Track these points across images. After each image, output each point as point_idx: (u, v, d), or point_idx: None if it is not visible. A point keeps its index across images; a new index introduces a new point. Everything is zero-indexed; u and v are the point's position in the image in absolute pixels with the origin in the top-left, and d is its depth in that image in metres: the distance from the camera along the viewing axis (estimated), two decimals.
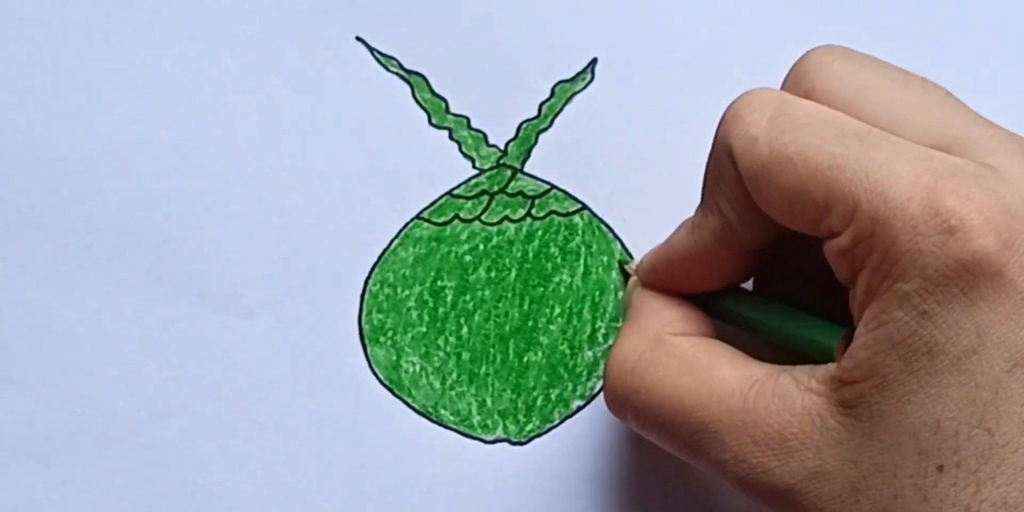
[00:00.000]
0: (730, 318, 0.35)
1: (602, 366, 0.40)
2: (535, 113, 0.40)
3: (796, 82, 0.33)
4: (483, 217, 0.40)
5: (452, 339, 0.40)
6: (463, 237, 0.40)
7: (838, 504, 0.29)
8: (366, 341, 0.40)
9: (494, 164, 0.40)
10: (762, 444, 0.30)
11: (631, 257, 0.40)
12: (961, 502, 0.28)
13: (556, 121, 0.40)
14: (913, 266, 0.28)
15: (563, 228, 0.40)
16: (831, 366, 0.30)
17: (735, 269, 0.34)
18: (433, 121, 0.40)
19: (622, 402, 0.34)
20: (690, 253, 0.34)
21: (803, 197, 0.29)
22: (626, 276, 0.39)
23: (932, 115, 0.31)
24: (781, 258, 0.35)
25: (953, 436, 0.28)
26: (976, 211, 0.28)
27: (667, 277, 0.35)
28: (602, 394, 0.35)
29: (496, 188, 0.40)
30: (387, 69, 0.40)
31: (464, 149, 0.40)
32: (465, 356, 0.40)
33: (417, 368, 0.40)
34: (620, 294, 0.40)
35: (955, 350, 0.28)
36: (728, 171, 0.31)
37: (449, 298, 0.40)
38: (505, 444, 0.40)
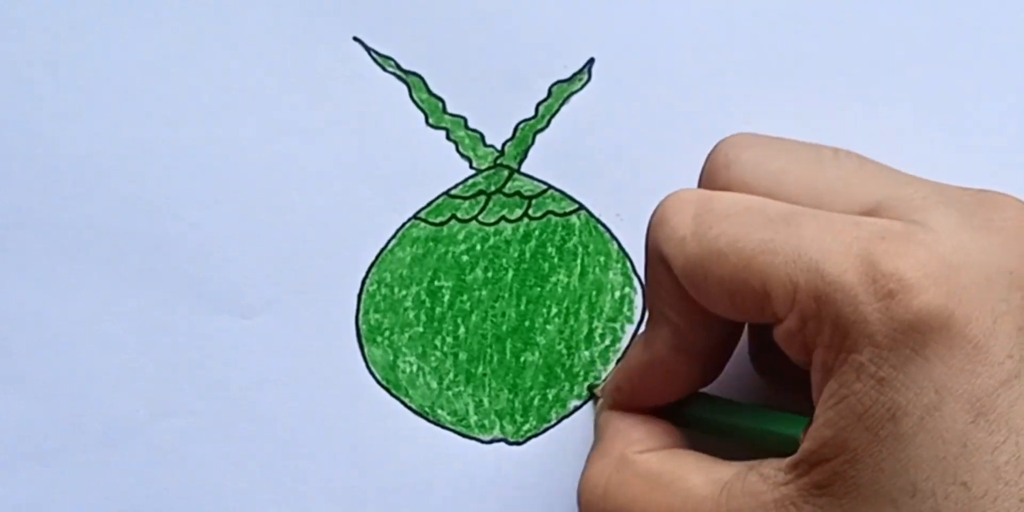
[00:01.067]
0: (695, 425, 0.35)
1: (599, 366, 0.40)
2: (532, 113, 0.40)
3: (711, 179, 0.33)
4: (480, 217, 0.40)
5: (449, 339, 0.40)
6: (460, 237, 0.40)
7: None
8: (363, 341, 0.40)
9: (491, 164, 0.40)
10: None
11: (628, 258, 0.40)
12: None
13: (553, 121, 0.40)
14: (862, 336, 0.28)
15: (560, 228, 0.40)
16: (795, 455, 0.30)
17: (694, 375, 0.34)
18: (430, 121, 0.40)
19: None
20: (647, 367, 0.34)
21: (741, 287, 0.29)
22: (595, 399, 0.39)
23: (852, 184, 0.31)
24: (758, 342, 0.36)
25: (931, 496, 0.28)
26: (912, 268, 0.28)
27: (631, 394, 0.35)
28: None
29: (493, 188, 0.40)
30: (384, 69, 0.40)
31: (461, 149, 0.40)
32: (462, 356, 0.40)
33: (414, 368, 0.40)
34: (617, 294, 0.40)
35: (917, 410, 0.28)
36: (664, 276, 0.31)
37: (446, 298, 0.40)
38: (502, 444, 0.40)
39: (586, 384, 0.39)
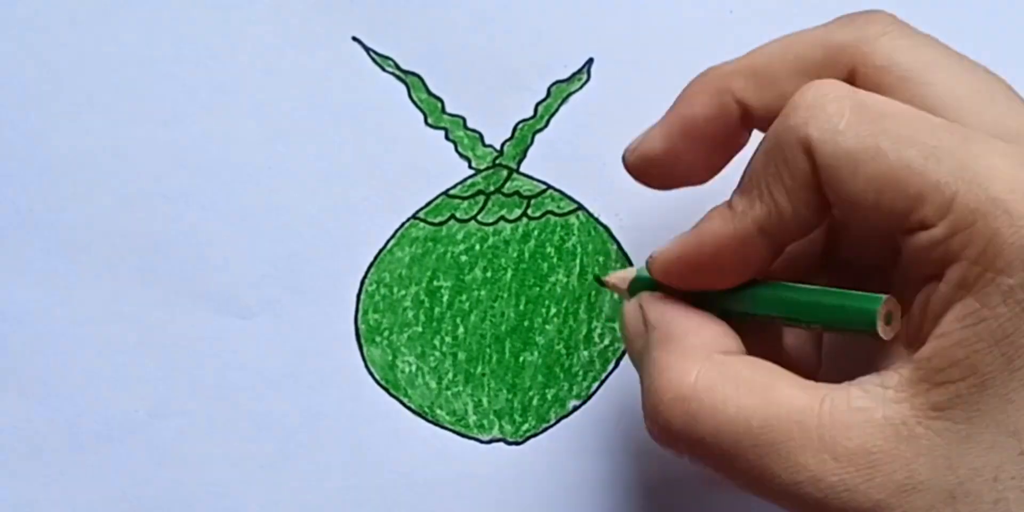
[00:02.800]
0: (757, 308, 0.32)
1: (598, 366, 0.40)
2: (531, 113, 0.40)
3: (858, 43, 0.32)
4: (479, 217, 0.40)
5: (448, 339, 0.40)
6: (459, 237, 0.40)
7: None
8: (362, 341, 0.40)
9: (490, 164, 0.40)
10: (843, 460, 0.28)
11: (627, 258, 0.40)
12: None
13: (552, 121, 0.40)
14: (1018, 259, 0.27)
15: (559, 228, 0.40)
16: (905, 371, 0.29)
17: (764, 262, 0.32)
18: (429, 121, 0.40)
19: (678, 433, 0.31)
20: (726, 241, 0.31)
21: (893, 187, 0.28)
22: (599, 290, 0.38)
23: (996, 104, 0.30)
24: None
25: None
26: None
27: (693, 269, 0.32)
28: (646, 422, 0.32)
29: (492, 188, 0.40)
30: (383, 69, 0.40)
31: (460, 149, 0.40)
32: (461, 356, 0.40)
33: (413, 368, 0.40)
34: (616, 294, 0.40)
35: None
36: (798, 161, 0.30)
37: (445, 298, 0.40)
38: (501, 444, 0.40)
39: (594, 276, 0.38)
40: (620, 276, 0.35)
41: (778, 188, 0.30)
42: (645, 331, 0.33)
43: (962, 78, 0.31)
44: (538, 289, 0.40)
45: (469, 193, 0.40)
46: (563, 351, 0.40)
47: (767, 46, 0.34)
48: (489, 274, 0.40)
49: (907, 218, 0.28)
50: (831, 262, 0.35)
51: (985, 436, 0.27)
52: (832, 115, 0.29)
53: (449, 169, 0.40)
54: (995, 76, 0.32)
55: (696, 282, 0.33)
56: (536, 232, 0.40)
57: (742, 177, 0.31)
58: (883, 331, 0.30)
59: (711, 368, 0.31)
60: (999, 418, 0.27)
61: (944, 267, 0.28)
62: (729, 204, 0.32)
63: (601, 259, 0.40)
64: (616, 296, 0.39)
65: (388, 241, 0.40)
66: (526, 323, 0.40)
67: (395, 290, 0.40)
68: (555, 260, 0.40)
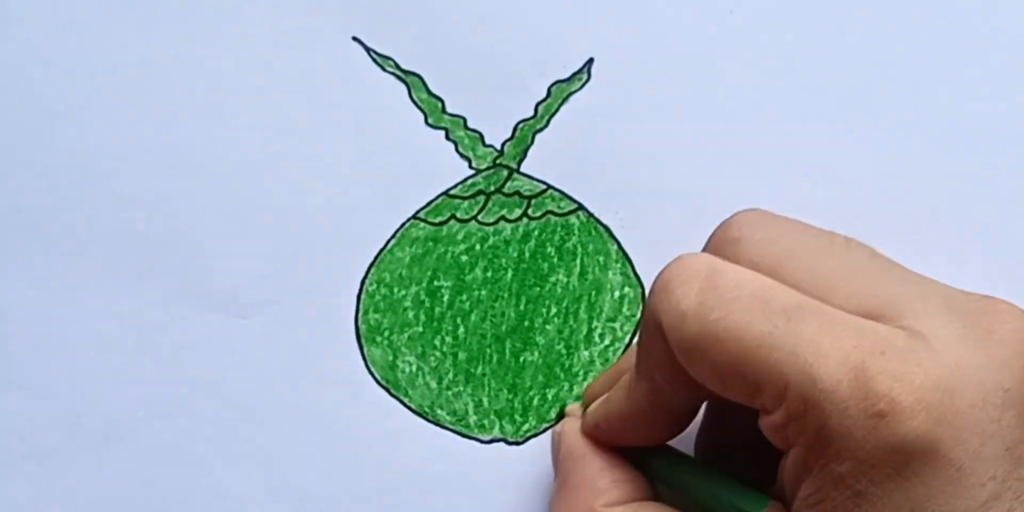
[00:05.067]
0: (663, 479, 0.35)
1: (599, 365, 0.40)
2: (531, 113, 0.40)
3: (718, 250, 0.33)
4: (479, 217, 0.40)
5: (448, 339, 0.40)
6: (459, 237, 0.40)
7: None
8: (362, 341, 0.40)
9: (490, 164, 0.40)
10: None
11: (627, 258, 0.40)
12: None
13: (552, 121, 0.40)
14: (845, 449, 0.28)
15: (559, 228, 0.40)
16: None
17: (669, 428, 0.34)
18: (429, 121, 0.40)
19: None
20: (626, 414, 0.34)
21: (734, 375, 0.29)
22: (558, 420, 0.38)
23: (857, 278, 0.31)
24: (718, 417, 0.36)
25: None
26: (905, 392, 0.28)
27: (607, 434, 0.35)
28: None
29: (492, 188, 0.40)
30: (383, 69, 0.40)
31: (461, 149, 0.40)
32: (461, 356, 0.40)
33: (414, 368, 0.40)
34: (616, 294, 0.40)
35: None
36: (657, 343, 0.31)
37: (445, 298, 0.40)
38: (502, 444, 0.40)
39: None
40: (574, 409, 0.38)
41: (653, 368, 0.32)
42: (556, 462, 0.36)
43: (820, 260, 0.32)
44: (538, 289, 0.40)
45: (469, 193, 0.40)
46: (563, 351, 0.40)
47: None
48: (489, 274, 0.40)
49: (751, 402, 0.30)
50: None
51: None
52: (679, 299, 0.30)
53: (449, 169, 0.40)
54: (857, 247, 0.32)
55: (615, 442, 0.35)
56: (536, 232, 0.40)
57: (636, 350, 0.33)
58: None
59: None
60: None
61: (788, 447, 0.30)
62: (628, 379, 0.34)
63: (601, 259, 0.40)
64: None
65: (388, 241, 0.40)
66: (526, 323, 0.40)
67: (395, 290, 0.40)
68: (555, 260, 0.40)
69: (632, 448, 0.35)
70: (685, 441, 0.36)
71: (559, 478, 0.36)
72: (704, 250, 0.33)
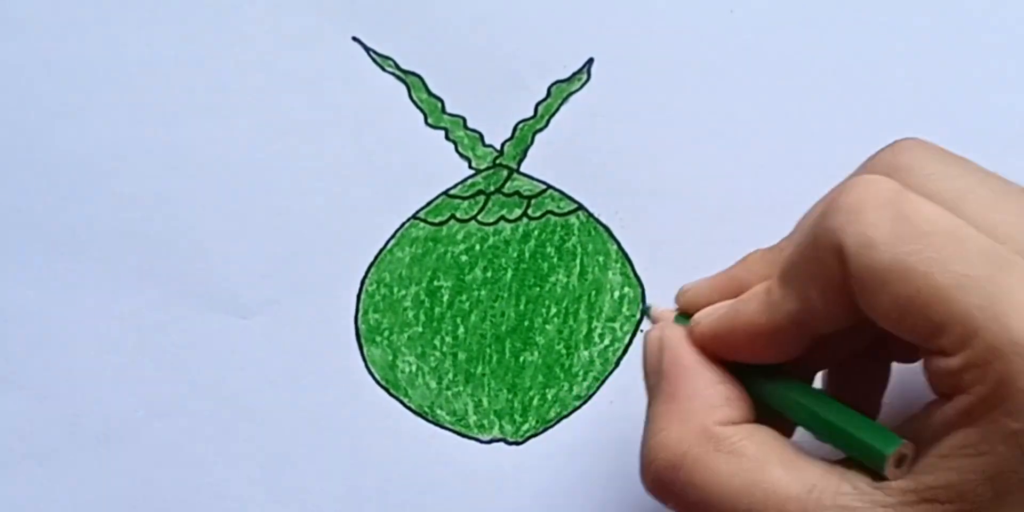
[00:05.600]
0: (777, 402, 0.33)
1: (599, 365, 0.40)
2: (531, 113, 0.40)
3: (888, 176, 0.31)
4: (479, 217, 0.40)
5: (448, 339, 0.40)
6: (459, 237, 0.40)
7: None
8: (362, 341, 0.40)
9: (490, 164, 0.40)
10: None
11: (627, 258, 0.40)
12: None
13: (552, 121, 0.40)
14: None
15: (559, 228, 0.40)
16: (902, 480, 0.29)
17: (798, 348, 0.32)
18: (429, 121, 0.40)
19: (666, 493, 0.32)
20: (760, 329, 0.32)
21: (918, 312, 0.28)
22: (645, 317, 0.37)
23: None
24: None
25: None
26: None
27: (726, 345, 0.33)
28: (640, 469, 0.33)
29: (492, 188, 0.40)
30: (383, 69, 0.40)
31: (460, 149, 0.40)
32: (461, 356, 0.40)
33: (413, 368, 0.40)
34: (616, 294, 0.40)
35: None
36: (831, 266, 0.29)
37: (445, 298, 0.40)
38: (501, 444, 0.40)
39: (640, 309, 0.38)
40: (664, 313, 0.35)
41: (812, 286, 0.30)
42: (659, 369, 0.33)
43: (997, 205, 0.31)
44: (538, 289, 0.40)
45: (469, 193, 0.40)
46: (563, 351, 0.40)
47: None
48: (489, 274, 0.40)
49: (927, 342, 0.29)
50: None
51: None
52: (869, 225, 0.29)
53: (449, 169, 0.40)
54: None
55: (729, 356, 0.33)
56: (536, 232, 0.40)
57: (784, 263, 0.31)
58: (891, 473, 0.30)
59: (705, 442, 0.31)
60: None
61: (955, 393, 0.28)
62: (767, 290, 0.32)
63: (601, 259, 0.40)
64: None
65: (388, 241, 0.40)
66: (526, 323, 0.40)
67: (395, 290, 0.40)
68: (555, 260, 0.40)
69: (743, 365, 0.33)
70: None
71: (663, 389, 0.33)
72: (859, 173, 0.32)
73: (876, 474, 0.29)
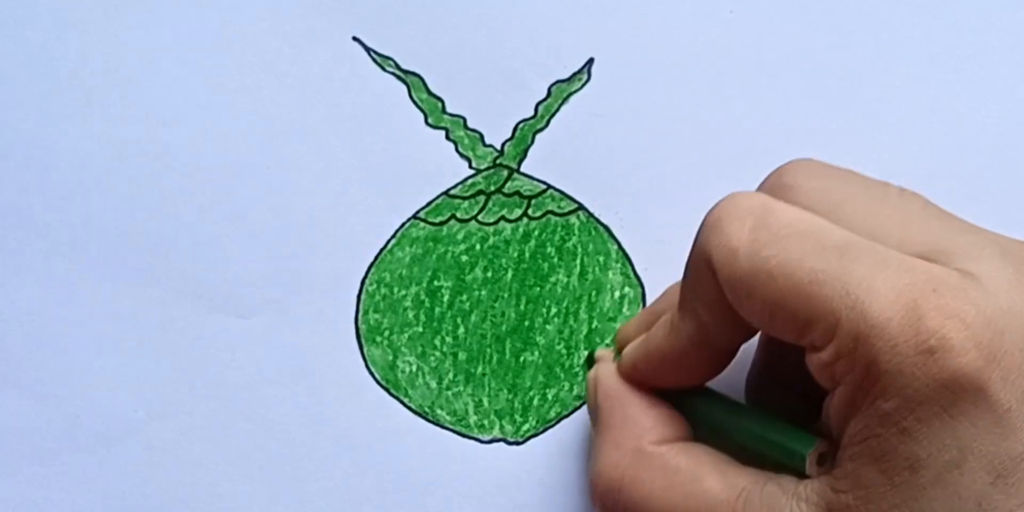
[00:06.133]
0: (704, 420, 0.35)
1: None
2: (532, 113, 0.40)
3: (772, 196, 0.32)
4: (480, 217, 0.40)
5: (449, 339, 0.40)
6: (460, 237, 0.40)
7: None
8: (363, 341, 0.40)
9: (491, 164, 0.40)
10: None
11: (627, 258, 0.40)
12: None
13: (552, 121, 0.40)
14: (893, 386, 0.28)
15: (559, 228, 0.40)
16: (823, 476, 0.30)
17: (711, 368, 0.34)
18: (429, 121, 0.40)
19: None
20: (667, 353, 0.34)
21: (784, 311, 0.29)
22: (590, 364, 0.38)
23: (911, 225, 0.31)
24: (766, 359, 0.36)
25: None
26: (957, 329, 0.28)
27: (646, 374, 0.35)
28: (591, 499, 0.35)
29: (493, 188, 0.40)
30: (383, 69, 0.40)
31: (461, 149, 0.40)
32: (462, 356, 0.40)
33: (414, 368, 0.40)
34: (616, 294, 0.40)
35: (937, 465, 0.28)
36: (707, 279, 0.31)
37: (446, 298, 0.40)
38: (502, 444, 0.40)
39: (586, 354, 0.39)
40: (604, 354, 0.37)
41: (700, 305, 0.32)
42: (596, 404, 0.36)
43: (874, 208, 0.32)
44: (538, 289, 0.40)
45: (469, 193, 0.40)
46: (563, 351, 0.40)
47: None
48: (489, 274, 0.40)
49: (800, 339, 0.30)
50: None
51: None
52: (730, 236, 0.30)
53: (449, 169, 0.40)
54: (911, 196, 0.33)
55: (652, 383, 0.35)
56: (536, 232, 0.40)
57: (680, 289, 0.33)
58: (813, 471, 0.31)
59: (639, 462, 0.33)
60: None
61: (835, 385, 0.30)
62: (671, 317, 0.34)
63: (601, 259, 0.40)
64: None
65: (388, 241, 0.40)
66: (526, 323, 0.40)
67: (395, 290, 0.40)
68: (555, 260, 0.40)
69: (669, 390, 0.35)
70: (732, 388, 0.36)
71: (600, 420, 0.35)
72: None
73: (804, 475, 0.31)
